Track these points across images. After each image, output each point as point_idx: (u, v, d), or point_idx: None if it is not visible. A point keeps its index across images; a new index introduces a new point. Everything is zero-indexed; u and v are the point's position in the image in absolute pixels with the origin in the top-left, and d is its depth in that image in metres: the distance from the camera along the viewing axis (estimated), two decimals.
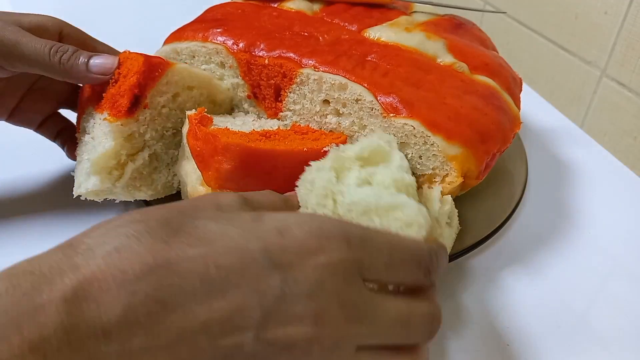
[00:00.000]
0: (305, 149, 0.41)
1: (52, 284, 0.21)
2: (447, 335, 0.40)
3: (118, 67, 0.43)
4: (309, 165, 0.41)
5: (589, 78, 0.64)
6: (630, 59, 0.58)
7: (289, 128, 0.49)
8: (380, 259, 0.27)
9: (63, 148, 0.52)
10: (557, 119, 0.69)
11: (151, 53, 0.49)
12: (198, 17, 0.58)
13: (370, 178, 0.36)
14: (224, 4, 0.58)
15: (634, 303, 0.43)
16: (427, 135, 0.42)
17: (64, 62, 0.42)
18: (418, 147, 0.42)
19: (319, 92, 0.46)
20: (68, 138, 0.51)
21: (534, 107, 0.69)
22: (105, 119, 0.43)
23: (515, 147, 0.56)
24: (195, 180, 0.43)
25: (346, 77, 0.44)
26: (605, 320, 0.42)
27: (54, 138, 0.52)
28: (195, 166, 0.43)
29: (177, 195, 0.49)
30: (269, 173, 0.41)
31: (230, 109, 0.53)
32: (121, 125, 0.42)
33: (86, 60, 0.42)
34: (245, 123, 0.46)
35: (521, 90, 0.52)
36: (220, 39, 0.50)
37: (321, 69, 0.45)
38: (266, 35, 0.50)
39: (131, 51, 0.45)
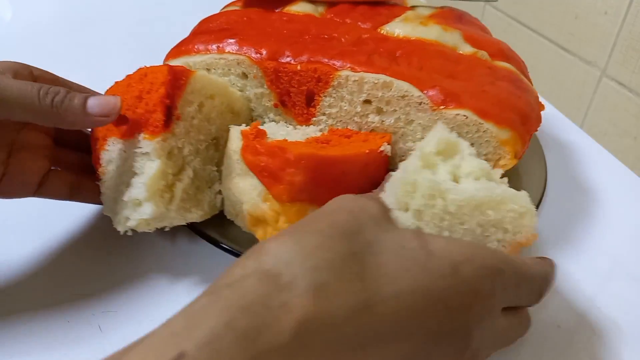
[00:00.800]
0: (367, 150, 0.41)
1: (269, 328, 0.21)
2: None
3: (139, 83, 0.41)
4: (368, 166, 0.41)
5: (589, 78, 0.64)
6: (630, 59, 0.58)
7: (326, 133, 0.48)
8: (511, 292, 0.31)
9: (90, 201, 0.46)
10: (557, 119, 0.68)
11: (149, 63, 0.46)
12: (195, 30, 0.56)
13: (457, 171, 0.37)
14: (221, 13, 0.56)
15: (634, 303, 0.43)
16: (480, 123, 0.43)
17: (57, 104, 0.36)
18: (470, 135, 0.43)
19: (360, 92, 0.45)
20: (89, 189, 0.45)
21: None
22: (145, 138, 0.40)
23: (533, 147, 0.55)
24: (257, 197, 0.41)
25: (389, 75, 0.44)
26: (605, 320, 0.42)
27: (68, 197, 0.45)
28: (255, 183, 0.41)
29: (220, 215, 0.47)
30: (338, 179, 0.40)
31: (249, 119, 0.51)
32: (162, 140, 0.40)
33: (82, 101, 0.37)
34: (289, 133, 0.45)
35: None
36: (239, 49, 0.49)
37: (360, 70, 0.45)
38: (286, 41, 0.49)
39: (147, 66, 0.42)
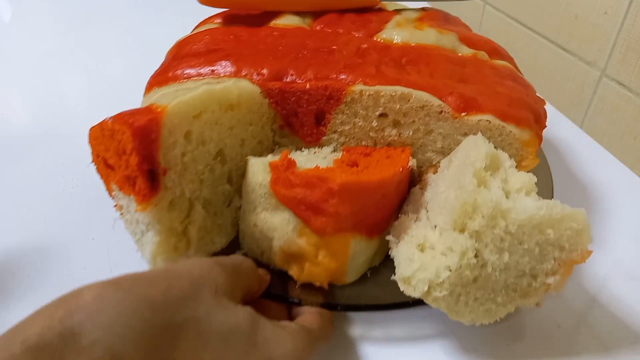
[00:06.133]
0: (401, 169, 0.39)
1: None
2: (448, 335, 0.40)
3: (111, 140, 0.35)
4: (400, 183, 0.40)
5: (589, 78, 0.64)
6: (630, 59, 0.57)
7: (339, 152, 0.46)
8: None
9: None
10: (557, 119, 0.68)
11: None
12: (175, 53, 0.51)
13: (506, 185, 0.36)
14: (203, 32, 0.52)
15: (634, 303, 0.43)
16: (502, 126, 0.42)
17: None
18: (493, 139, 0.43)
19: (376, 107, 0.43)
20: None
21: None
22: (137, 210, 0.36)
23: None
24: (291, 232, 0.38)
25: (405, 86, 0.43)
26: (605, 320, 0.42)
27: None
28: (288, 217, 0.38)
29: None
30: (378, 201, 0.38)
31: (254, 102, 0.44)
32: (155, 206, 0.36)
33: None
34: (310, 158, 0.42)
35: None
36: (236, 70, 0.45)
37: (374, 83, 0.43)
38: (286, 57, 0.46)
39: (109, 120, 0.35)
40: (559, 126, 0.67)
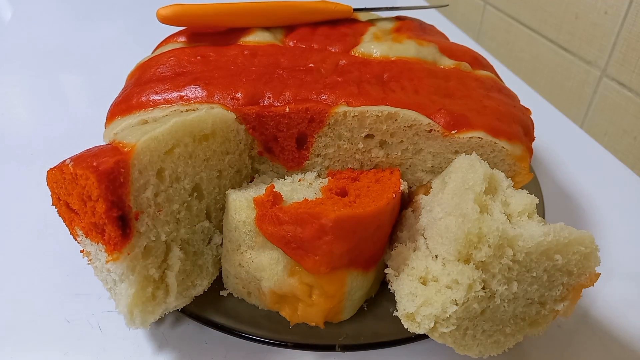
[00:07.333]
0: (394, 195, 0.37)
1: None
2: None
3: (73, 185, 0.32)
4: (394, 209, 0.37)
5: (589, 78, 0.64)
6: (630, 59, 0.57)
7: (324, 176, 0.43)
8: None
9: None
10: (557, 119, 0.68)
11: None
12: (138, 76, 0.47)
13: (507, 208, 0.34)
14: (167, 53, 0.48)
15: (634, 303, 0.43)
16: (494, 143, 0.40)
17: None
18: (485, 156, 0.41)
19: (361, 127, 0.41)
20: None
21: (534, 107, 0.62)
22: (108, 261, 0.32)
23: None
24: (282, 272, 0.35)
25: (391, 105, 0.40)
26: (605, 320, 0.42)
27: None
28: (276, 256, 0.35)
29: None
30: (373, 232, 0.35)
31: (229, 129, 0.40)
32: (128, 255, 0.33)
33: None
34: (296, 188, 0.39)
35: None
36: (208, 95, 0.41)
37: (358, 103, 0.40)
38: (260, 79, 0.43)
39: (69, 162, 0.32)
40: (559, 126, 0.67)
